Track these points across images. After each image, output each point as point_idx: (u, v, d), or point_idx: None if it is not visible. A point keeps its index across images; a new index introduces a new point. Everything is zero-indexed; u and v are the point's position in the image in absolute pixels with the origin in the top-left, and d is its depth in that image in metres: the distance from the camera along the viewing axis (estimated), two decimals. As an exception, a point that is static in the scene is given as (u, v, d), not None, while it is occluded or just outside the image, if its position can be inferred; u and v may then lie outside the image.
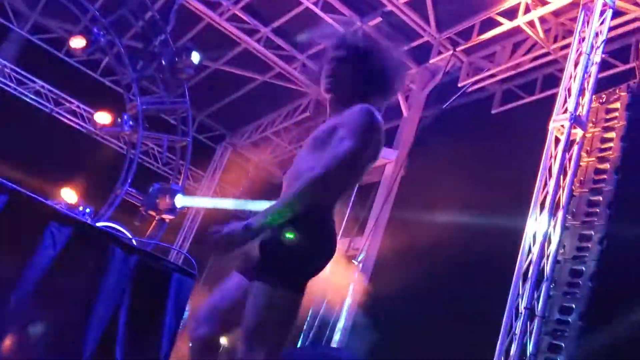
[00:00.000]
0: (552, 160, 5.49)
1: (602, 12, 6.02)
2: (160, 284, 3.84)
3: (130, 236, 4.94)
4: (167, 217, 8.62)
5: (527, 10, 7.16)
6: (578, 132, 5.57)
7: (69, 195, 8.67)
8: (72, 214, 3.81)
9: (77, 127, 11.71)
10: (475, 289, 6.67)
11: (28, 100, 11.44)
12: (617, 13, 6.37)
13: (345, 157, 2.40)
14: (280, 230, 2.34)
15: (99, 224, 4.38)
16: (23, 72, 11.27)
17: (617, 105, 5.87)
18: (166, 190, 8.47)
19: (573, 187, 5.50)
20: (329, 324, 7.83)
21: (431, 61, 8.60)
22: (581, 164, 5.76)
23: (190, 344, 2.53)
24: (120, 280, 3.53)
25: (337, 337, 7.75)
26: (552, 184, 5.35)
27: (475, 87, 8.53)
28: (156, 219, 8.62)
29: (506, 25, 7.47)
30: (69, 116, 11.72)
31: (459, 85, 8.42)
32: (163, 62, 8.45)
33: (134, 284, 3.63)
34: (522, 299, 4.96)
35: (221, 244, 2.32)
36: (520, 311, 4.91)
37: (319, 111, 10.18)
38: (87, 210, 8.03)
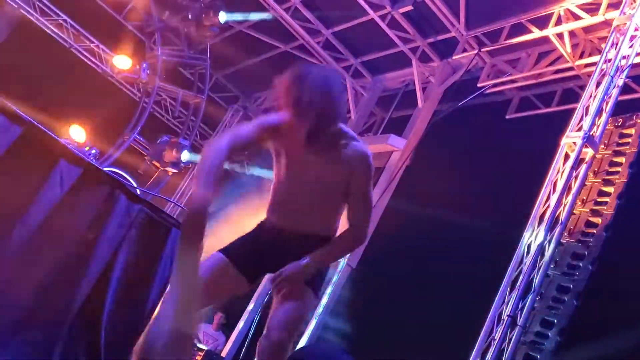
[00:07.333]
0: (559, 175, 5.51)
1: (632, 37, 6.00)
2: (158, 236, 3.90)
3: (135, 185, 4.99)
4: (171, 170, 8.68)
5: (559, 22, 7.14)
6: (589, 152, 5.57)
7: (77, 133, 8.70)
8: (83, 155, 3.85)
9: (94, 66, 11.68)
10: (461, 291, 6.75)
11: (48, 32, 11.40)
12: (647, 40, 6.35)
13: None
14: None
15: (106, 169, 4.42)
16: (48, 4, 11.21)
17: (632, 131, 5.89)
18: (174, 143, 8.51)
19: (574, 205, 5.53)
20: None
21: (454, 57, 8.59)
22: (586, 183, 5.79)
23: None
24: (121, 227, 3.58)
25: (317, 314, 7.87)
26: (554, 198, 5.37)
27: (494, 89, 8.52)
28: (159, 170, 8.67)
29: (535, 33, 7.46)
30: (87, 54, 11.68)
31: (478, 85, 8.41)
32: (189, 16, 8.42)
33: (134, 232, 3.68)
34: (506, 307, 5.02)
35: (293, 279, 2.75)
36: (502, 318, 4.98)
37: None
38: (93, 151, 8.08)
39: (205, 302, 2.90)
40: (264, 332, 2.69)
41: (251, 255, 2.89)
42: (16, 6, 10.73)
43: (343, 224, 2.98)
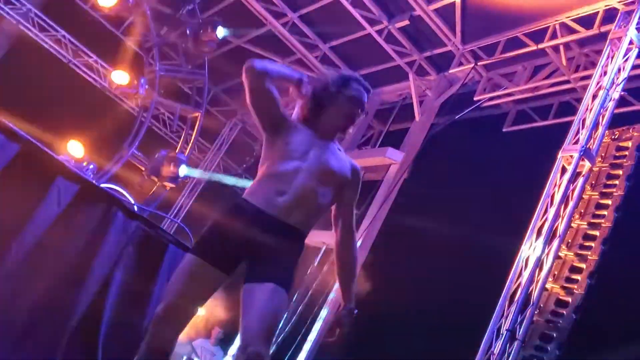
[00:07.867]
0: (556, 188, 5.51)
1: (627, 50, 6.03)
2: (155, 253, 3.89)
3: (132, 201, 4.99)
4: (168, 184, 8.68)
5: (554, 35, 7.18)
6: (586, 165, 5.58)
7: (75, 148, 8.71)
8: (80, 172, 3.86)
9: (92, 81, 11.71)
10: (459, 305, 6.72)
11: (47, 47, 11.44)
12: (641, 52, 6.38)
13: None
14: (299, 250, 2.87)
15: (103, 185, 4.43)
16: (47, 19, 11.25)
17: (629, 144, 5.91)
18: (172, 158, 8.51)
19: (572, 218, 5.53)
20: (310, 315, 7.91)
21: (451, 71, 8.62)
22: (584, 196, 5.80)
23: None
24: (118, 244, 3.58)
25: (316, 327, 7.84)
26: (552, 212, 5.37)
27: (490, 103, 8.54)
28: (157, 184, 8.67)
29: (531, 47, 7.49)
30: (85, 69, 11.71)
31: (475, 98, 8.43)
32: (187, 32, 8.45)
33: (131, 249, 3.68)
34: (505, 321, 5.01)
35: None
36: (501, 332, 4.96)
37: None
38: (91, 166, 8.08)
39: (191, 308, 2.82)
40: (240, 344, 2.59)
41: (222, 248, 2.78)
42: (15, 22, 10.78)
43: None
